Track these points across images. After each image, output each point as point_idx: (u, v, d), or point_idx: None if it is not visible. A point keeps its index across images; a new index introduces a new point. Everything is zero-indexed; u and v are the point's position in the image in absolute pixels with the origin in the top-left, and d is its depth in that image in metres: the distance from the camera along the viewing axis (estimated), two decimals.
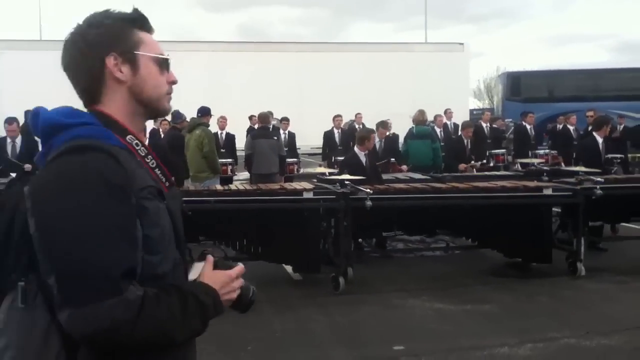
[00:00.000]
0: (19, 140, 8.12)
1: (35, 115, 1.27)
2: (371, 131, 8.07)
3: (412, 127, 10.07)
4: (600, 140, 8.12)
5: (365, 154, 7.50)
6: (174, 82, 1.38)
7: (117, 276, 1.13)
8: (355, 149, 7.60)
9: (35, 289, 1.15)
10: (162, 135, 10.47)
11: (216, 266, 1.42)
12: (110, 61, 1.28)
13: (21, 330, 1.13)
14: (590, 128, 9.26)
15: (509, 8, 67.95)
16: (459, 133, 10.23)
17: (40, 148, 1.30)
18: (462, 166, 9.18)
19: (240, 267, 1.44)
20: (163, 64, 1.36)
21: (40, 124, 1.26)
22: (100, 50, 1.27)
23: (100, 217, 1.13)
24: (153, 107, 1.36)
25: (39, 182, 1.17)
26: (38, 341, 1.13)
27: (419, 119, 9.79)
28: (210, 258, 1.43)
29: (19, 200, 1.17)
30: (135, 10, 1.34)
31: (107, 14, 1.31)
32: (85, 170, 1.15)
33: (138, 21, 1.33)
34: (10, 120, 8.11)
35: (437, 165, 9.58)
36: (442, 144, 10.72)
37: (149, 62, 1.32)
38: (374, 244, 7.44)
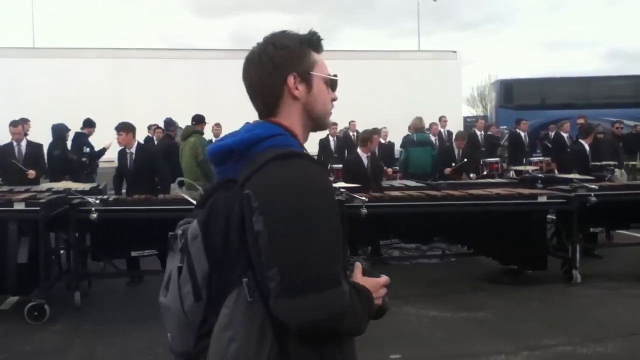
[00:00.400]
0: (23, 143, 8.03)
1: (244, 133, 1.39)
2: (374, 132, 8.04)
3: (411, 134, 10.07)
4: (587, 147, 8.30)
5: (367, 156, 7.51)
6: (335, 100, 1.50)
7: (338, 269, 1.27)
8: (358, 150, 7.62)
9: (253, 285, 1.25)
10: (156, 143, 10.48)
11: (364, 273, 1.49)
12: (290, 80, 1.41)
13: (244, 322, 1.23)
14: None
15: (500, 14, 68.43)
16: (453, 141, 10.28)
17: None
18: (447, 170, 9.31)
19: (386, 277, 1.52)
20: (331, 84, 1.50)
21: (245, 137, 1.37)
22: (284, 70, 1.40)
23: (325, 217, 1.26)
24: (320, 122, 1.50)
25: (264, 184, 1.27)
26: (257, 332, 1.23)
27: (418, 126, 9.81)
28: (359, 264, 1.51)
29: (231, 202, 1.28)
30: (312, 33, 1.46)
31: (289, 36, 1.44)
32: (307, 174, 1.30)
33: (314, 43, 1.46)
34: (15, 123, 7.98)
35: (435, 173, 9.65)
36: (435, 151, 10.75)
37: (320, 81, 1.46)
38: (369, 251, 7.43)
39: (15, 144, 7.99)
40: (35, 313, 5.16)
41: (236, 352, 1.21)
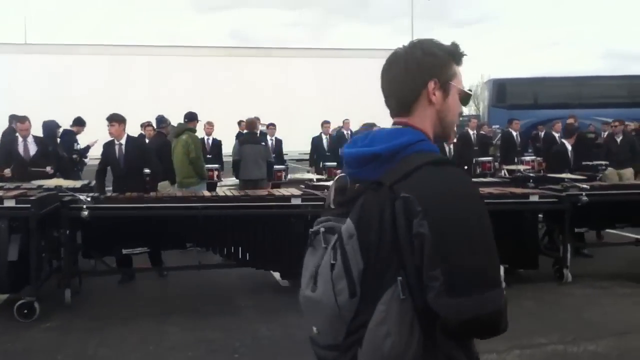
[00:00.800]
0: (30, 139, 7.88)
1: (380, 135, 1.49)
2: (373, 125, 7.97)
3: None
4: (569, 147, 8.42)
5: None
6: (461, 114, 1.62)
7: (499, 271, 1.35)
8: None
9: (405, 283, 1.32)
10: (147, 141, 10.41)
11: None
12: (430, 85, 1.50)
13: (398, 319, 1.32)
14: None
15: (494, 13, 68.58)
16: None
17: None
18: None
19: None
20: (464, 98, 1.59)
21: (396, 144, 1.44)
22: (427, 75, 1.50)
23: (485, 222, 1.35)
24: (447, 131, 1.57)
25: (426, 189, 1.34)
26: (408, 327, 1.32)
27: None
28: None
29: (382, 204, 1.35)
30: (456, 46, 1.56)
31: (437, 44, 1.53)
32: (463, 180, 1.40)
33: (457, 56, 1.55)
34: (22, 119, 7.87)
35: None
36: None
37: (455, 92, 1.55)
38: None
39: (20, 139, 7.85)
40: (25, 311, 5.13)
41: (391, 346, 1.31)
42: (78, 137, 9.89)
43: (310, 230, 1.50)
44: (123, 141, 6.69)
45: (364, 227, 1.35)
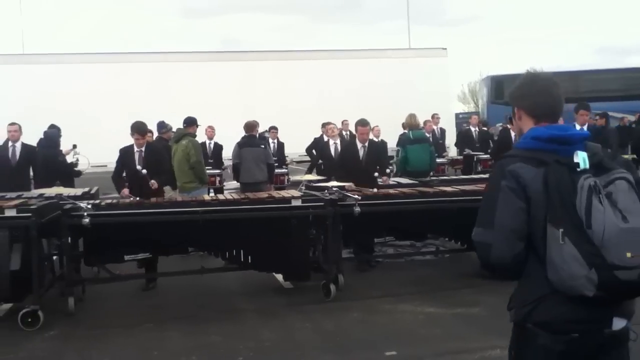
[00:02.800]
0: (18, 144, 8.15)
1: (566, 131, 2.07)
2: (366, 122, 7.95)
3: (407, 132, 10.02)
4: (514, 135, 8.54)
5: (363, 146, 7.54)
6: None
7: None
8: (357, 140, 7.71)
9: None
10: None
11: None
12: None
13: None
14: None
15: (489, 10, 68.55)
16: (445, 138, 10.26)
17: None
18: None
19: None
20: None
21: (586, 133, 2.15)
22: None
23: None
24: None
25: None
26: None
27: (412, 123, 9.76)
28: None
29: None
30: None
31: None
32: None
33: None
34: (12, 123, 8.25)
35: (433, 169, 9.54)
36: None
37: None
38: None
39: (10, 143, 8.10)
40: (29, 319, 5.13)
41: None
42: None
43: (590, 183, 1.88)
44: (143, 148, 6.93)
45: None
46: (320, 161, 11.16)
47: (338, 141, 9.58)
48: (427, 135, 11.68)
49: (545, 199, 1.91)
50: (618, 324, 1.97)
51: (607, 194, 1.87)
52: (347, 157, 7.66)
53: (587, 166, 1.90)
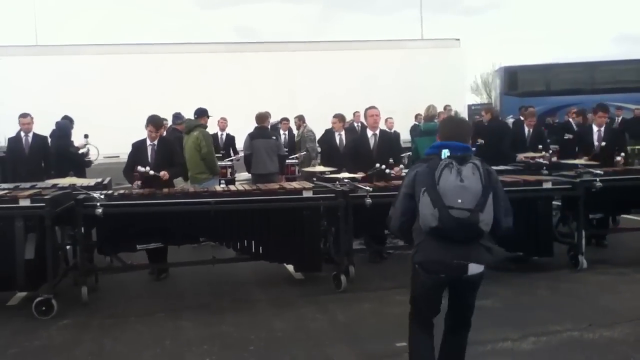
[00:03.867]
0: (30, 135, 8.42)
1: None
2: (374, 107, 7.78)
3: (418, 124, 9.93)
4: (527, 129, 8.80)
5: (373, 134, 7.40)
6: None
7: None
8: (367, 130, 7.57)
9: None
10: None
11: None
12: None
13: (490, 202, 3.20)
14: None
15: (504, 0, 67.79)
16: None
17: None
18: None
19: None
20: None
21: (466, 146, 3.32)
22: None
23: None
24: None
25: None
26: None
27: (428, 114, 9.65)
28: None
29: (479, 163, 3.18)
30: None
31: None
32: None
33: None
34: (24, 114, 8.44)
35: None
36: None
37: None
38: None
39: (23, 134, 8.35)
40: (43, 308, 5.20)
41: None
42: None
43: (444, 161, 3.11)
44: (155, 142, 6.84)
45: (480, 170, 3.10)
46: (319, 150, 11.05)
47: (342, 132, 9.45)
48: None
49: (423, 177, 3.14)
50: (474, 269, 3.14)
51: (459, 170, 3.05)
52: (357, 147, 7.47)
53: (446, 157, 3.14)
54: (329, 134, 10.59)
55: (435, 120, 11.00)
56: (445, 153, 3.14)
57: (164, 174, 6.66)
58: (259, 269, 6.53)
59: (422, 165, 3.19)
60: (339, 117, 9.53)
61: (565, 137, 10.06)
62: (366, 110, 7.57)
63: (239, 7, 64.61)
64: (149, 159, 6.78)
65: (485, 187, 3.04)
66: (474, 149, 9.68)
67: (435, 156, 3.19)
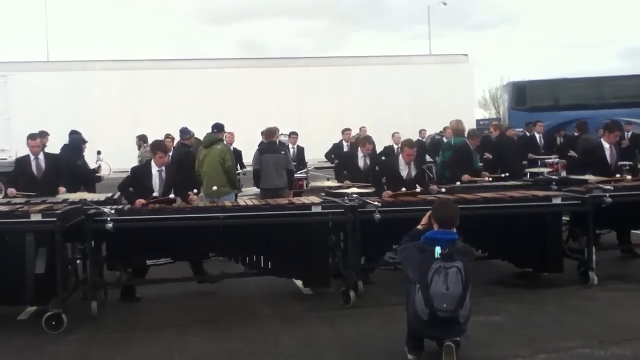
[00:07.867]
0: (41, 156, 7.91)
1: None
2: (413, 144, 7.78)
3: (447, 139, 9.84)
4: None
5: (406, 163, 7.34)
6: None
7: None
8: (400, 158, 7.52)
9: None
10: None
11: None
12: None
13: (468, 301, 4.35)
14: None
15: (511, 15, 68.06)
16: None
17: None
18: (465, 177, 8.48)
19: None
20: None
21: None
22: None
23: None
24: None
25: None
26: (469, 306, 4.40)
27: (457, 128, 9.57)
28: None
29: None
30: None
31: None
32: None
33: None
34: (33, 136, 7.91)
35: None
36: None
37: None
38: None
39: (32, 157, 7.87)
40: (53, 323, 5.21)
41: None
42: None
43: (435, 264, 4.12)
44: (163, 168, 6.64)
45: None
46: (345, 171, 10.96)
47: (367, 155, 8.96)
48: (446, 140, 11.60)
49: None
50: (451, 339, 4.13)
51: (445, 273, 4.10)
52: (387, 173, 7.48)
53: (439, 256, 4.15)
54: (340, 149, 10.65)
55: (442, 135, 11.00)
56: (438, 251, 4.13)
57: (192, 198, 6.57)
58: (267, 284, 6.53)
59: (420, 251, 4.27)
60: (368, 139, 9.51)
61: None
62: (403, 145, 7.61)
63: (245, 23, 65.23)
64: (155, 184, 6.56)
65: (465, 286, 4.14)
66: (481, 164, 9.69)
67: (428, 248, 4.20)
